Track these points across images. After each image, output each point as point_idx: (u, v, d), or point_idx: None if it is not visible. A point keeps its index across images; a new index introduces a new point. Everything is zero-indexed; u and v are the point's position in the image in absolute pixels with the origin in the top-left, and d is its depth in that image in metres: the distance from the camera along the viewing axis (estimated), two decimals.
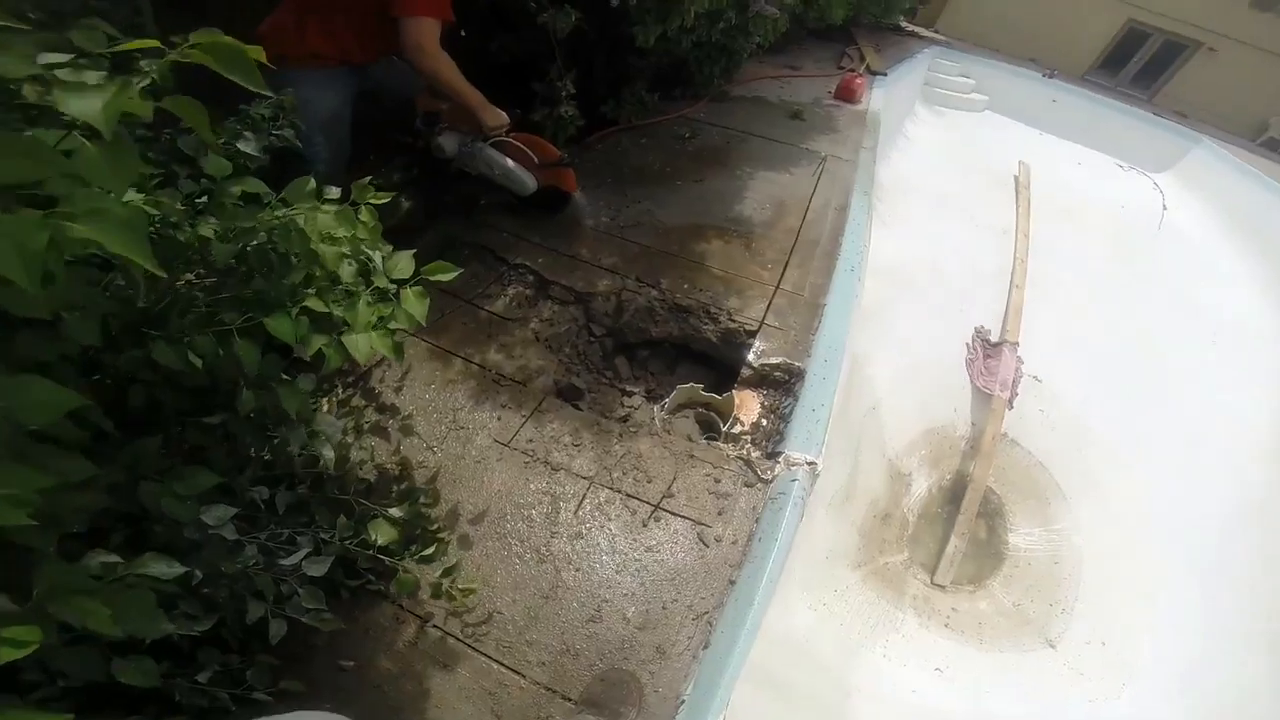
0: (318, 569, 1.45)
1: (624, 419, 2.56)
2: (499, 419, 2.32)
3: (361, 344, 1.39)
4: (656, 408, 2.60)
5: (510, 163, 2.88)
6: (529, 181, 2.95)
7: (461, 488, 2.10)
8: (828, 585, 3.04)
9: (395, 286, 1.48)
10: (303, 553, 1.44)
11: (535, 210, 3.18)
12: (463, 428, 2.27)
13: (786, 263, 3.23)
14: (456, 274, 1.49)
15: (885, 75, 6.28)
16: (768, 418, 2.58)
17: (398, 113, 2.90)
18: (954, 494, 3.74)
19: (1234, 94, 12.15)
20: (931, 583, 3.32)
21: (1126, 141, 8.39)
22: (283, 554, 1.43)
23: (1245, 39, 11.64)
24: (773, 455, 2.37)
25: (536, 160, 2.93)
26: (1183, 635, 3.32)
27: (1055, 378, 4.48)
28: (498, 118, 2.74)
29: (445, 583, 1.73)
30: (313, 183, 1.46)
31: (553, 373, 2.59)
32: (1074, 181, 7.33)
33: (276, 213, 1.37)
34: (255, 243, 1.34)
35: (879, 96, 5.71)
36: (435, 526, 1.91)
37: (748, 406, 2.62)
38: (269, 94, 1.31)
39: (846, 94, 5.44)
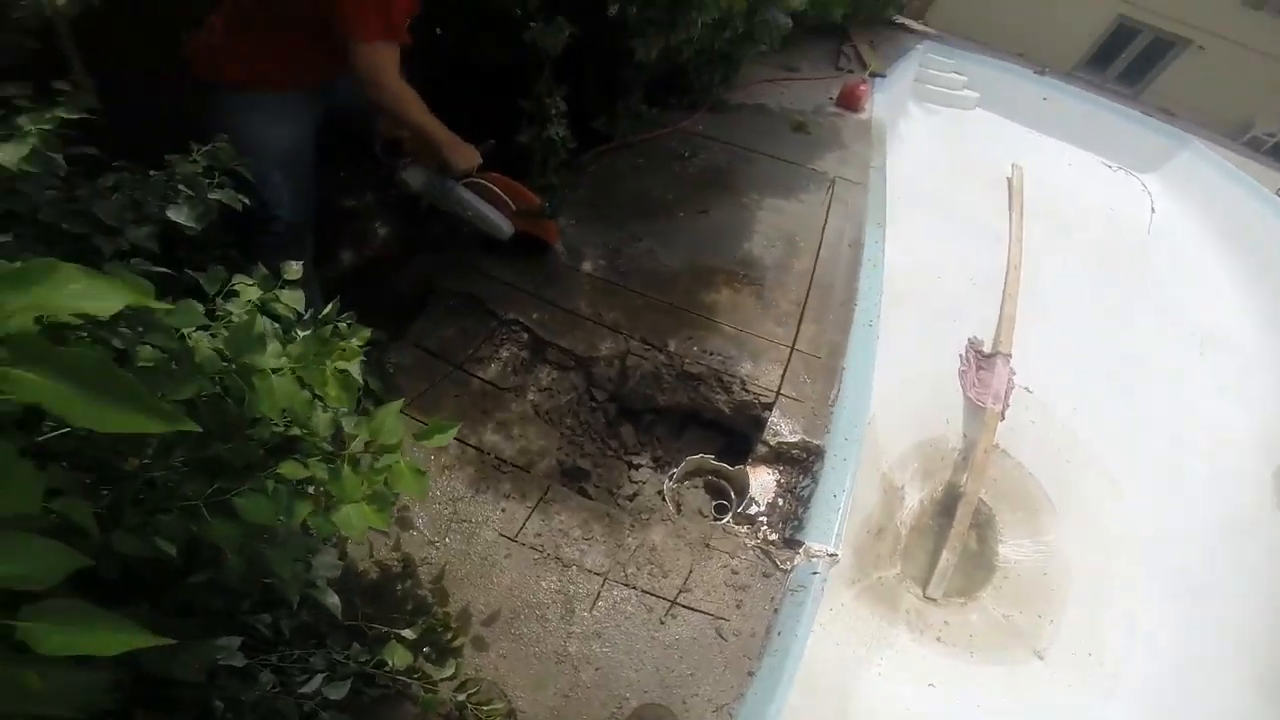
0: (337, 692, 1.38)
1: (632, 496, 2.44)
2: (503, 510, 2.16)
3: (355, 520, 1.18)
4: (665, 478, 2.47)
5: (484, 207, 2.56)
6: (505, 227, 2.63)
7: (470, 586, 1.98)
8: (823, 605, 3.00)
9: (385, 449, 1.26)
10: (320, 678, 1.37)
11: (515, 251, 2.89)
12: (465, 520, 2.11)
13: (801, 315, 3.05)
14: (453, 431, 1.30)
15: (885, 77, 6.15)
16: (784, 497, 2.47)
17: (361, 131, 2.53)
18: (946, 506, 3.77)
19: (1220, 92, 12.21)
20: (924, 596, 3.36)
21: (1116, 141, 8.42)
22: (296, 674, 1.36)
23: (1235, 37, 11.71)
24: (791, 543, 2.28)
25: (514, 208, 2.64)
26: (1167, 647, 3.39)
27: (1046, 388, 4.50)
28: (468, 159, 2.39)
29: (468, 702, 1.65)
30: (261, 326, 1.18)
31: (555, 453, 2.43)
32: (1065, 183, 7.34)
33: (226, 364, 1.13)
34: (204, 395, 1.11)
35: (881, 102, 5.58)
36: (450, 636, 1.78)
37: (763, 484, 2.49)
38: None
39: (850, 102, 5.29)
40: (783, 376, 2.74)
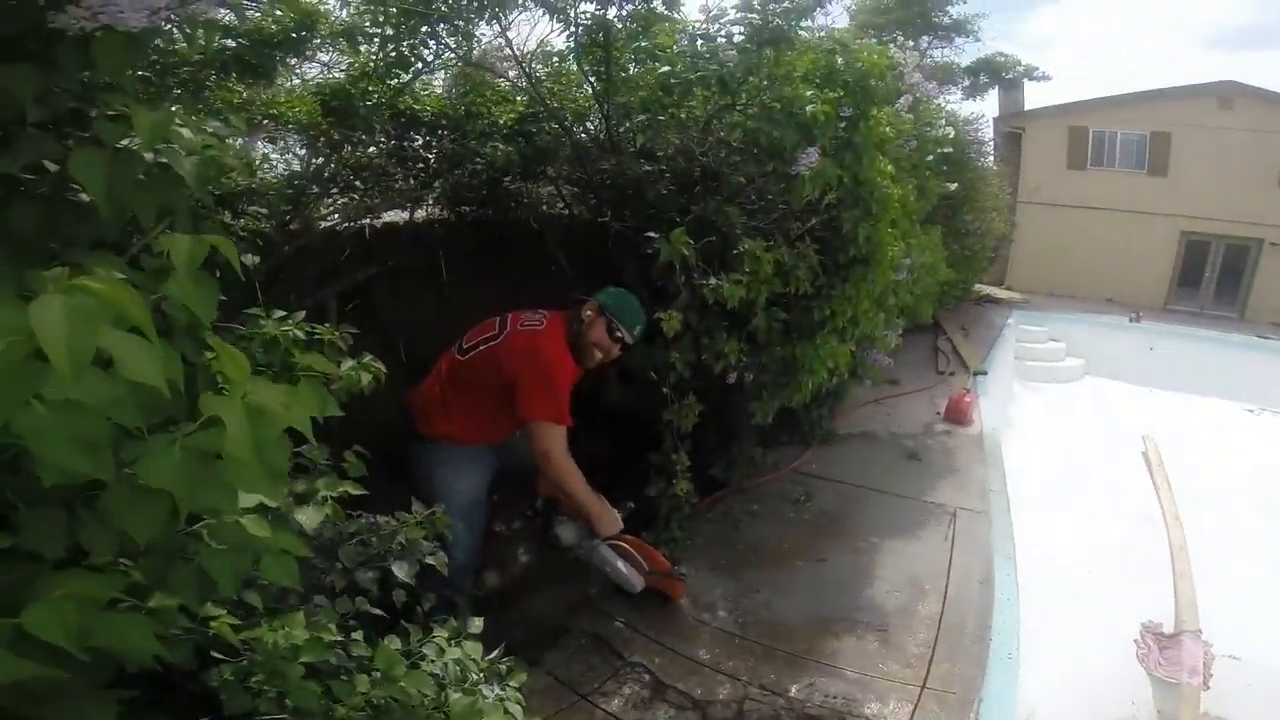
0: None
1: None
2: None
3: None
4: None
5: (622, 565, 2.95)
6: (637, 584, 2.99)
7: None
8: None
9: None
10: None
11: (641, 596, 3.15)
12: None
13: (931, 657, 2.99)
14: None
15: (986, 374, 6.25)
16: None
17: (524, 483, 3.04)
18: None
19: None
20: None
21: (1241, 376, 7.98)
22: None
23: None
24: None
25: (646, 568, 3.00)
26: None
27: (1255, 650, 3.95)
28: (613, 525, 2.84)
29: None
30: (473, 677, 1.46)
31: None
32: (1205, 440, 6.89)
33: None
34: None
35: (988, 410, 5.59)
36: None
37: None
38: None
39: (957, 416, 5.37)
40: (913, 713, 2.68)
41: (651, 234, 2.92)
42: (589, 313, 2.74)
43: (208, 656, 1.20)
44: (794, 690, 2.80)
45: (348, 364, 1.84)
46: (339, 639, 1.33)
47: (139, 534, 0.79)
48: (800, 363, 3.35)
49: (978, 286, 9.75)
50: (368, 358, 1.88)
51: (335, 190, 3.79)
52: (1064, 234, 14.92)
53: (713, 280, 2.92)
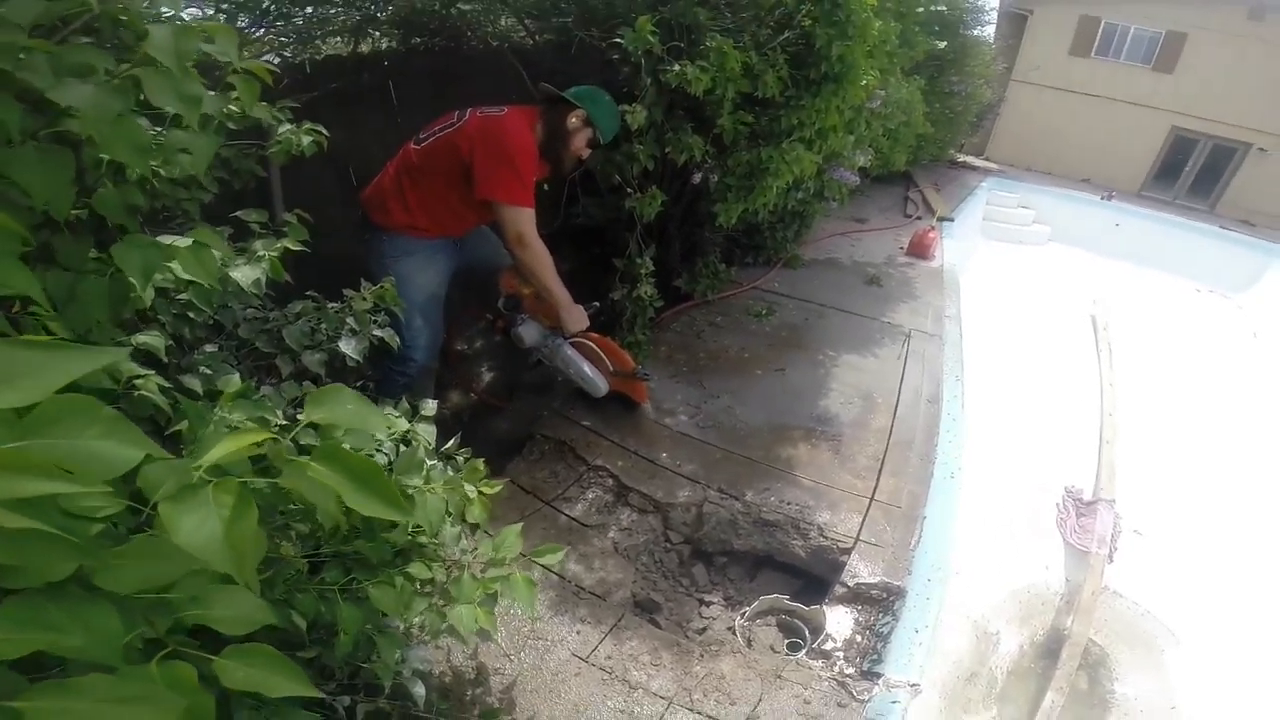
0: None
1: (702, 630, 2.52)
2: (578, 633, 2.29)
3: (467, 619, 1.41)
4: (737, 615, 2.54)
5: (586, 367, 2.94)
6: (601, 386, 3.00)
7: (538, 699, 2.06)
8: None
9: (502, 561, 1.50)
10: None
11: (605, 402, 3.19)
12: (541, 639, 2.25)
13: (880, 469, 3.13)
14: (562, 553, 1.54)
15: (954, 221, 6.35)
16: (863, 634, 2.50)
17: (483, 285, 2.96)
18: (1049, 649, 3.50)
19: None
20: None
21: (1199, 261, 8.16)
22: None
23: None
24: (869, 675, 2.29)
25: (611, 368, 3.00)
26: None
27: (1158, 528, 4.28)
28: (579, 321, 2.81)
29: None
30: (421, 454, 1.44)
31: (630, 585, 2.58)
32: (1152, 314, 7.16)
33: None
34: None
35: (951, 248, 5.72)
36: None
37: (840, 622, 2.54)
38: None
39: (919, 250, 5.50)
40: (861, 524, 2.82)
41: (619, 38, 2.75)
42: (575, 120, 2.57)
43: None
44: (750, 495, 2.91)
45: (285, 127, 1.77)
46: (283, 423, 1.24)
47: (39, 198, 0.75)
48: (765, 166, 3.27)
49: (955, 153, 9.66)
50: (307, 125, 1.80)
51: (270, 23, 3.38)
52: (1053, 116, 14.90)
53: (677, 66, 2.77)
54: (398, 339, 1.79)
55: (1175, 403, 5.67)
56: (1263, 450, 5.29)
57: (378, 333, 1.70)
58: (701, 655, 2.28)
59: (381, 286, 1.75)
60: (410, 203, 2.50)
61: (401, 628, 1.63)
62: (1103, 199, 9.17)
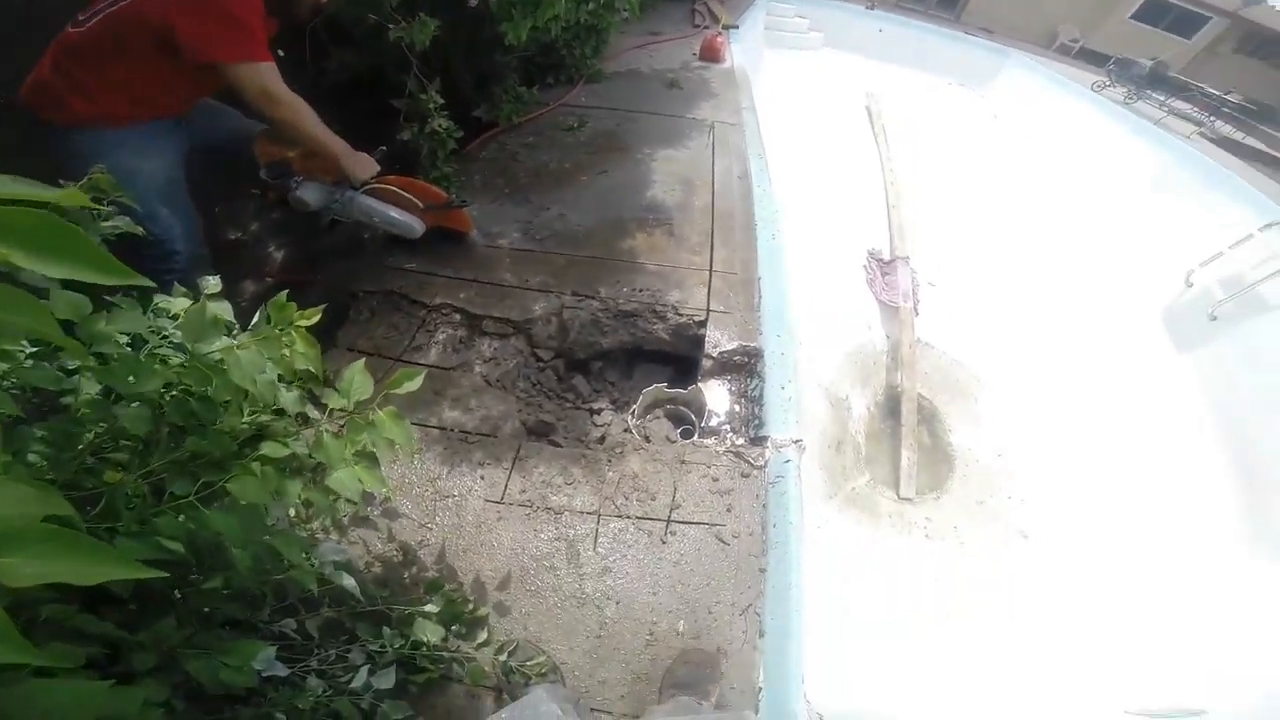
0: (385, 681, 1.37)
1: (601, 439, 2.47)
2: (482, 478, 2.16)
3: (348, 482, 1.20)
4: (628, 416, 2.51)
5: (392, 211, 2.60)
6: (416, 226, 2.68)
7: (474, 556, 1.97)
8: (809, 523, 3.13)
9: (358, 409, 1.27)
10: (364, 670, 1.35)
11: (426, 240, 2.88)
12: (449, 496, 2.11)
13: (711, 243, 3.20)
14: (421, 376, 1.33)
15: (738, 28, 6.53)
16: (739, 402, 2.58)
17: (233, 162, 2.46)
18: (890, 408, 3.97)
19: (1026, 8, 14.52)
20: (899, 498, 3.50)
21: (950, 61, 9.34)
22: (339, 673, 1.35)
23: None
24: (757, 441, 2.37)
25: (421, 205, 2.68)
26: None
27: (947, 280, 4.92)
28: (367, 167, 2.42)
29: (511, 664, 1.67)
30: (211, 311, 1.15)
31: (516, 415, 2.43)
32: (916, 102, 8.02)
33: (178, 360, 1.13)
34: (169, 394, 1.10)
35: (738, 52, 5.92)
36: (471, 607, 1.77)
37: (717, 397, 2.60)
38: None
39: (711, 54, 5.63)
40: (708, 295, 2.87)
41: None
42: None
43: None
44: (604, 291, 2.83)
45: None
46: None
47: None
48: None
49: None
50: None
51: None
52: None
53: None
54: (141, 227, 1.41)
55: (940, 172, 6.45)
56: (1010, 203, 6.19)
57: (111, 224, 1.34)
58: (609, 461, 2.26)
59: (91, 177, 1.34)
60: (92, 90, 1.94)
61: (294, 525, 1.50)
62: (867, 8, 9.84)
